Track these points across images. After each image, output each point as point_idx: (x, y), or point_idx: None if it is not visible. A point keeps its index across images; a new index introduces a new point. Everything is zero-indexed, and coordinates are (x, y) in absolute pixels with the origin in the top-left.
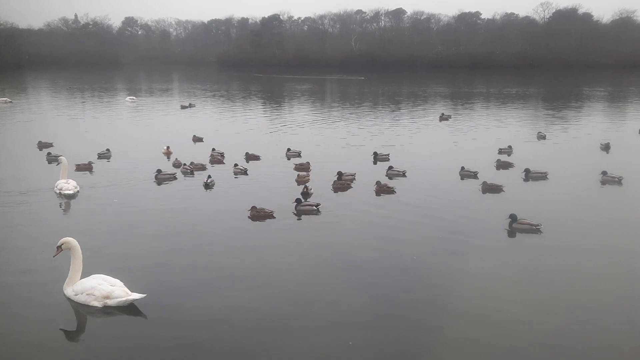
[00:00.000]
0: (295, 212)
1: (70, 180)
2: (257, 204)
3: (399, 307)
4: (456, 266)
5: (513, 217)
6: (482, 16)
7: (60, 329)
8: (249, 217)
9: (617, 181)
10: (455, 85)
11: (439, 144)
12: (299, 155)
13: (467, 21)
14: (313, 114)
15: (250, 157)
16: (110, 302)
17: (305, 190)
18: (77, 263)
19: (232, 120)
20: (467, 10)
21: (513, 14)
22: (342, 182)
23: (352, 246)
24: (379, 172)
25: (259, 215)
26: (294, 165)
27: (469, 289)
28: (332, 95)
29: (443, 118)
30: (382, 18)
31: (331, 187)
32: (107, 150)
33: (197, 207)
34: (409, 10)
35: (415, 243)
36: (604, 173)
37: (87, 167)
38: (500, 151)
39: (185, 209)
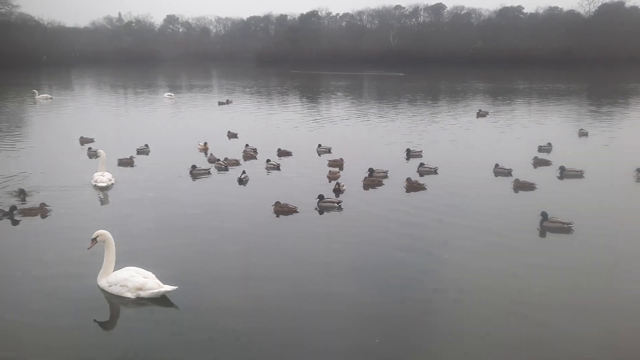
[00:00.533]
0: (317, 208)
1: (105, 173)
2: (288, 200)
3: (428, 307)
4: (486, 266)
5: (544, 215)
6: (525, 10)
7: (94, 320)
8: (273, 212)
9: None
10: (495, 81)
11: (475, 140)
12: (329, 151)
13: (509, 16)
14: (349, 110)
15: (282, 153)
16: (143, 294)
17: (337, 186)
18: (110, 255)
19: (268, 117)
20: (508, 5)
21: (557, 8)
22: (373, 179)
23: (382, 244)
24: (411, 168)
25: (282, 210)
26: (326, 162)
27: (499, 290)
28: (369, 92)
29: (480, 114)
30: (421, 13)
31: (362, 183)
32: (146, 145)
33: (229, 202)
34: (449, 5)
35: (444, 242)
36: (639, 170)
37: (128, 162)
38: (540, 149)
39: (218, 204)
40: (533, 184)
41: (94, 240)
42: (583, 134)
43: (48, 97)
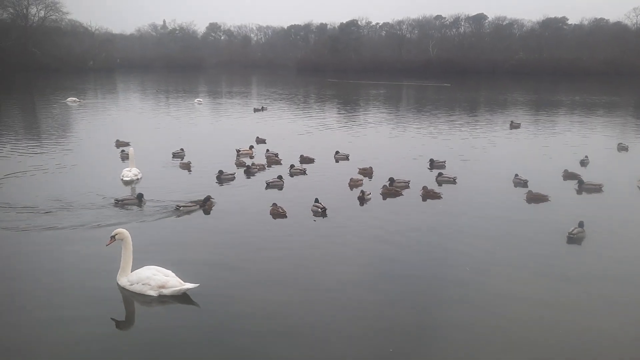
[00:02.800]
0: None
1: (132, 169)
2: (307, 206)
3: (447, 318)
4: (492, 280)
5: (580, 224)
6: (569, 22)
7: (111, 318)
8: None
9: None
10: (537, 92)
11: (503, 151)
12: (347, 158)
13: (553, 27)
14: (384, 119)
15: (304, 160)
16: (165, 291)
17: (362, 194)
18: (127, 254)
19: (300, 124)
20: (552, 16)
21: (602, 19)
22: (391, 189)
23: (397, 252)
24: (433, 179)
25: (278, 213)
26: (348, 169)
27: (518, 304)
28: (407, 101)
29: (513, 126)
30: (462, 23)
31: (380, 192)
32: (181, 149)
33: (252, 205)
34: (491, 16)
35: (442, 253)
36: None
37: (186, 167)
38: (582, 162)
39: (242, 208)
40: (546, 196)
41: (113, 237)
42: (623, 148)
43: (76, 100)
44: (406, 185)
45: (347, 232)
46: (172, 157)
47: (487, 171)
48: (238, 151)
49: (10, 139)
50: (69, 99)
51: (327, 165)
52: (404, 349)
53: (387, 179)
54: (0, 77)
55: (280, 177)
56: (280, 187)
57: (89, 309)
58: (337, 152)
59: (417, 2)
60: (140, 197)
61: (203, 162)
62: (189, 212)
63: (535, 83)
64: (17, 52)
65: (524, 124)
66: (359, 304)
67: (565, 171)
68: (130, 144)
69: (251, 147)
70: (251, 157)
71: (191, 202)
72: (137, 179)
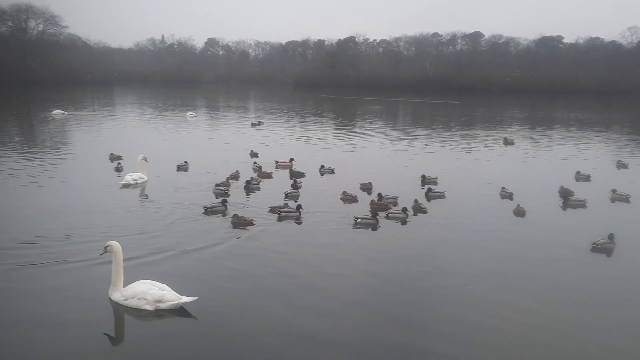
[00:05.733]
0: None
1: (135, 174)
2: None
3: (449, 342)
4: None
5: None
6: (564, 40)
7: (104, 333)
8: (230, 224)
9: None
10: (532, 109)
11: (495, 167)
12: (332, 172)
13: (548, 45)
14: (380, 135)
15: (295, 175)
16: (162, 306)
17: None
18: (118, 268)
19: (295, 138)
20: (548, 34)
21: (598, 38)
22: (380, 203)
23: (392, 270)
24: (424, 194)
25: (239, 222)
26: (358, 185)
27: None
28: (404, 118)
29: (508, 142)
30: (459, 41)
31: (369, 207)
32: (185, 162)
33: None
34: (487, 34)
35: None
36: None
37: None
38: (578, 178)
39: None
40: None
41: (105, 248)
42: (622, 165)
43: (65, 113)
44: (394, 201)
45: (343, 247)
46: (177, 170)
47: (477, 186)
48: (277, 162)
49: (11, 153)
50: (55, 111)
51: (319, 180)
52: None
53: (376, 194)
54: None
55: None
56: (249, 192)
57: (83, 324)
58: (322, 167)
59: (414, 19)
60: (224, 202)
61: (206, 174)
62: (214, 213)
63: (531, 100)
64: (15, 66)
65: (518, 140)
66: (358, 322)
67: (561, 187)
68: (123, 157)
69: (291, 159)
70: (291, 170)
71: (214, 204)
72: (136, 183)
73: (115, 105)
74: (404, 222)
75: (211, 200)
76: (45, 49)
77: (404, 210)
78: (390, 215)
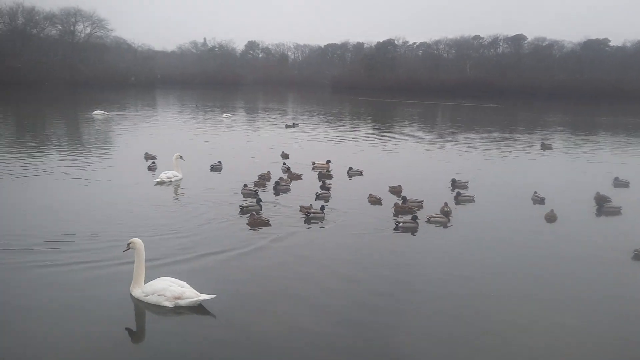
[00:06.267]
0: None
1: (170, 172)
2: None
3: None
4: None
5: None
6: (611, 43)
7: (129, 324)
8: (247, 223)
9: None
10: (575, 114)
11: (530, 172)
12: (360, 173)
13: (594, 48)
14: (416, 138)
15: (323, 176)
16: (181, 302)
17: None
18: (140, 264)
19: (328, 140)
20: (593, 37)
21: None
22: (404, 206)
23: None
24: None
25: (256, 222)
26: (387, 187)
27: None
28: (442, 121)
29: (545, 147)
30: (501, 44)
31: (392, 210)
32: (219, 162)
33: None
34: (530, 37)
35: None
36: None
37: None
38: (616, 184)
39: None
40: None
41: (128, 245)
42: None
43: (104, 113)
44: (419, 204)
45: (364, 249)
46: (210, 170)
47: (509, 191)
48: (314, 164)
49: (50, 151)
50: (96, 112)
51: (349, 182)
52: None
53: (400, 197)
54: (47, 91)
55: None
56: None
57: (104, 319)
58: (350, 168)
59: (454, 22)
60: (259, 202)
61: (236, 174)
62: (250, 212)
63: (575, 105)
64: (63, 67)
65: (557, 144)
66: (379, 329)
67: (597, 194)
68: (157, 157)
69: (328, 161)
70: (327, 171)
71: (250, 204)
72: (170, 181)
73: (157, 106)
74: (445, 226)
75: (242, 199)
76: (91, 52)
77: (446, 214)
78: (431, 219)
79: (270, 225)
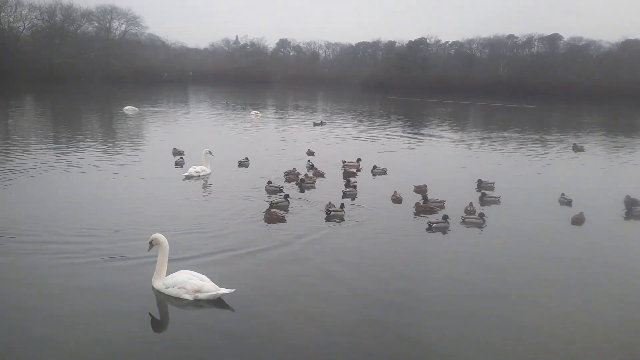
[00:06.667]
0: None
1: (198, 166)
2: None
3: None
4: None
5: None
6: None
7: (150, 316)
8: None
9: None
10: (611, 116)
11: (560, 173)
12: (385, 172)
13: (633, 49)
14: (444, 139)
15: (347, 174)
16: (200, 296)
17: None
18: (163, 258)
19: (355, 139)
20: (632, 38)
21: None
22: (425, 206)
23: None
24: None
25: (272, 218)
26: (412, 186)
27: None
28: (473, 121)
29: (577, 148)
30: (536, 44)
31: (413, 209)
32: (246, 159)
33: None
34: (566, 37)
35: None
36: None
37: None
38: None
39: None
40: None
41: (151, 243)
42: None
43: (134, 109)
44: (441, 204)
45: (386, 247)
46: (238, 166)
47: (536, 192)
48: (344, 162)
49: (81, 145)
50: (127, 107)
51: (370, 179)
52: None
53: (422, 197)
54: (82, 87)
55: (352, 183)
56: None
57: (126, 308)
58: (374, 167)
59: (488, 21)
60: (286, 197)
61: (262, 170)
62: (279, 208)
63: (611, 106)
64: (99, 63)
65: (589, 146)
66: (398, 329)
67: (627, 197)
68: (184, 152)
69: (358, 160)
70: (358, 170)
71: (279, 200)
72: (199, 176)
73: (189, 102)
74: (480, 227)
75: (267, 196)
76: (126, 48)
77: (481, 215)
78: (466, 220)
79: (285, 221)
